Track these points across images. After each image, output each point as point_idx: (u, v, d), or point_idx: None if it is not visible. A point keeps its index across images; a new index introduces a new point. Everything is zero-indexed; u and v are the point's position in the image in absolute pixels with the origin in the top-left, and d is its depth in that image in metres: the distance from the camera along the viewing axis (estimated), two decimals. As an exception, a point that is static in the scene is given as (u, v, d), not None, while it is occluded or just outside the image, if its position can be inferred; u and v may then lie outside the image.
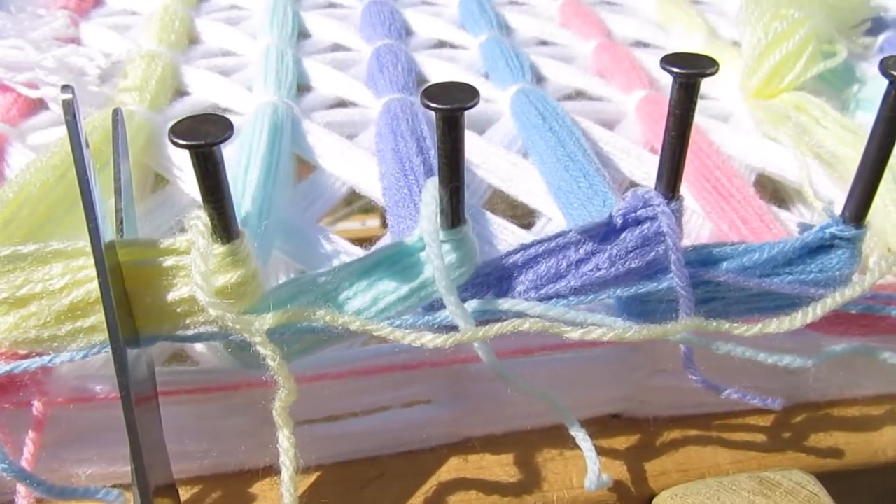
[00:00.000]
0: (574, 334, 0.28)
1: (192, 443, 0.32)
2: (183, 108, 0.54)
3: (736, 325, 0.30)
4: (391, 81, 0.54)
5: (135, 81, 0.53)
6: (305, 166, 0.49)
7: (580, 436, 0.32)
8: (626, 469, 0.36)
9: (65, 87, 0.23)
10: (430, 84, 0.25)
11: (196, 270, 0.25)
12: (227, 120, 0.24)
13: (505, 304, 0.29)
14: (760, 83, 0.54)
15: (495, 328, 0.28)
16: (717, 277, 0.31)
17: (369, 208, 0.84)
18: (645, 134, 0.53)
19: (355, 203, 0.73)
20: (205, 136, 0.23)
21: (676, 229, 0.30)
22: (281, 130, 0.47)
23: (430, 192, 0.28)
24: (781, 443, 0.38)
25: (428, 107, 0.25)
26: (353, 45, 0.66)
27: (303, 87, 0.58)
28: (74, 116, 0.23)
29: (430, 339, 0.27)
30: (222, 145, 0.23)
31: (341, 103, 0.56)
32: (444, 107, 0.24)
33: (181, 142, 0.23)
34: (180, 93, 0.56)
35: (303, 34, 0.68)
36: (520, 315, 0.29)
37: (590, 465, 0.32)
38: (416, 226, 0.30)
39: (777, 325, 0.30)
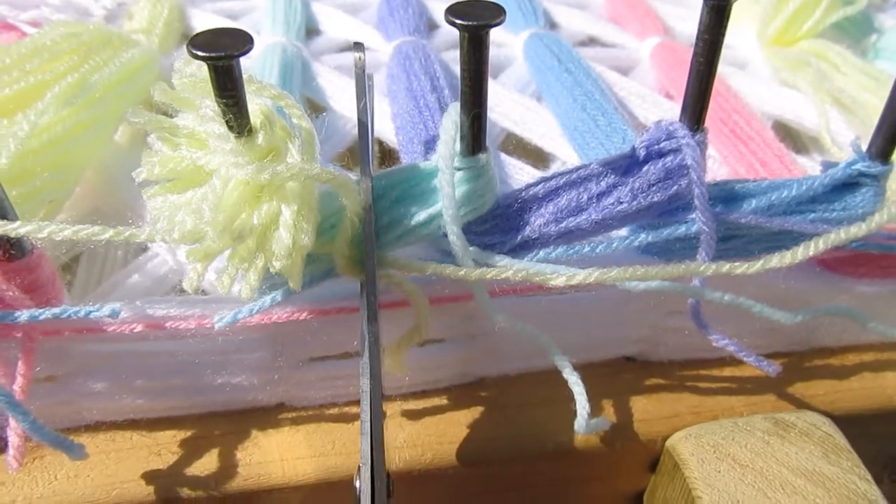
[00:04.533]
0: (558, 280, 0.28)
1: (206, 377, 0.32)
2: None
3: (737, 264, 0.29)
4: (402, 25, 0.53)
5: (141, 24, 0.52)
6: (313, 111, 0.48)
7: (573, 379, 0.32)
8: (639, 410, 0.35)
9: (357, 45, 0.25)
10: (454, 2, 0.24)
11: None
12: (247, 33, 0.23)
13: (502, 261, 0.29)
14: (778, 30, 0.53)
15: (476, 272, 0.28)
16: (740, 219, 0.31)
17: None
18: (660, 80, 0.52)
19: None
20: (223, 48, 0.22)
21: (701, 162, 0.29)
22: (291, 70, 0.46)
23: (451, 118, 0.27)
24: (796, 387, 0.37)
25: (452, 23, 0.24)
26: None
27: (311, 31, 0.57)
28: (364, 70, 0.25)
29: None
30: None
31: (351, 47, 0.55)
32: (470, 23, 0.24)
33: (200, 54, 0.22)
34: (187, 37, 0.55)
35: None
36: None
37: (579, 409, 0.31)
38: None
39: (779, 259, 0.29)
